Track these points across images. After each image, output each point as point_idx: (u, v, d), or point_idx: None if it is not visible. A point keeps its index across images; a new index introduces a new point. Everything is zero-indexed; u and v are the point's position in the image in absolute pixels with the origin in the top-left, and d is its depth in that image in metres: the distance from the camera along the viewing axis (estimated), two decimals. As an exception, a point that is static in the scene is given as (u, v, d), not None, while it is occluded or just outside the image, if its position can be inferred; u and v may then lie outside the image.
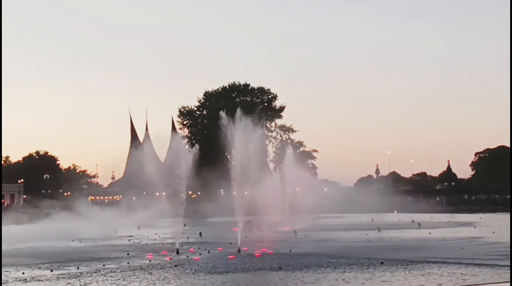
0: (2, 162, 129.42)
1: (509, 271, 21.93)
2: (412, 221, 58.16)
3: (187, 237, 43.85)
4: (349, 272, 23.42)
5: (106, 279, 23.05)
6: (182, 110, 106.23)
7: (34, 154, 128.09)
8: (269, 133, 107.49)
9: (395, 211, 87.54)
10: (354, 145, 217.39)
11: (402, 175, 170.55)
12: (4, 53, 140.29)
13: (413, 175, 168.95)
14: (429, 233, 44.25)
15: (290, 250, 32.29)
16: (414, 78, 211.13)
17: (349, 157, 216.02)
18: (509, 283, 19.87)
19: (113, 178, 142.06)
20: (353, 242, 39.04)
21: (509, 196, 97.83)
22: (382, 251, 31.69)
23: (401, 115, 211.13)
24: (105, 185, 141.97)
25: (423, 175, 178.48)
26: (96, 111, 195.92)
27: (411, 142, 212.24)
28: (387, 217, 70.89)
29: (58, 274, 24.71)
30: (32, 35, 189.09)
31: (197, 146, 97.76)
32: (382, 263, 25.74)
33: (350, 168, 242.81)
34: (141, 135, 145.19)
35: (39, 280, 23.25)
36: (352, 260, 27.31)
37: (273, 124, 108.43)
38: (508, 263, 24.12)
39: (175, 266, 26.38)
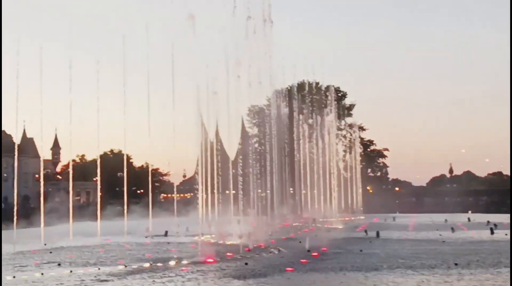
0: (79, 160, 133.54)
1: None
2: (488, 222, 56.42)
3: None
4: (421, 274, 22.86)
5: (175, 279, 23.32)
6: (251, 109, 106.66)
7: (109, 153, 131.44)
8: (339, 132, 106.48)
9: (470, 212, 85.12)
10: (426, 143, 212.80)
11: (477, 174, 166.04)
12: (84, 60, 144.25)
13: (488, 174, 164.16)
14: (506, 234, 42.79)
15: (361, 250, 31.90)
16: (487, 75, 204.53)
17: (421, 156, 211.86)
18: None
19: (184, 176, 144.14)
20: (426, 243, 38.21)
21: None
22: (456, 252, 30.88)
23: (475, 113, 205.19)
24: (177, 183, 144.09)
25: (498, 174, 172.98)
26: (167, 110, 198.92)
27: (486, 140, 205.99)
28: (461, 218, 69.06)
29: (131, 271, 25.21)
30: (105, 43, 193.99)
31: (266, 145, 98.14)
32: (456, 264, 25.07)
33: (422, 167, 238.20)
34: (211, 133, 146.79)
35: (113, 276, 23.75)
36: (424, 261, 26.71)
37: (342, 122, 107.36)
38: None
39: (246, 264, 26.44)
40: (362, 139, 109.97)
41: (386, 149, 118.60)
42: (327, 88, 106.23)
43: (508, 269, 23.62)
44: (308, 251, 31.13)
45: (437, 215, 72.41)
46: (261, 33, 40.20)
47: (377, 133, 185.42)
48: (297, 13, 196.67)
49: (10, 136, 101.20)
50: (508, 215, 72.91)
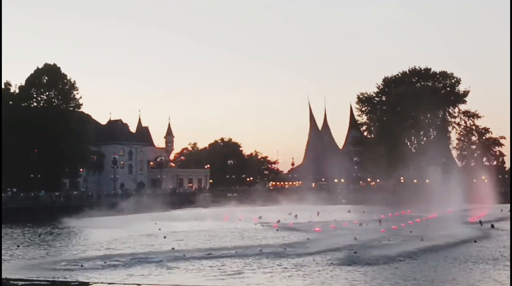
0: (191, 148, 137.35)
1: None
2: None
3: (366, 224, 43.37)
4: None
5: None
6: (360, 96, 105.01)
7: (219, 141, 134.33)
8: (452, 119, 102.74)
9: None
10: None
11: None
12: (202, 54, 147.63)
13: None
14: None
15: (475, 241, 30.86)
16: None
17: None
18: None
19: (292, 164, 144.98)
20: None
21: None
22: None
23: None
24: (285, 171, 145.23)
25: None
26: (276, 99, 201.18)
27: None
28: None
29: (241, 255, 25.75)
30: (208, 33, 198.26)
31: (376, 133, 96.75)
32: None
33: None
34: (320, 122, 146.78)
35: (224, 258, 24.34)
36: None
37: (456, 109, 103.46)
38: None
39: (355, 253, 26.24)
40: (477, 127, 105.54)
41: (503, 137, 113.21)
42: (440, 74, 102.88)
43: None
44: (421, 240, 30.49)
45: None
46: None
47: (493, 120, 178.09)
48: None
49: (126, 125, 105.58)
50: None
